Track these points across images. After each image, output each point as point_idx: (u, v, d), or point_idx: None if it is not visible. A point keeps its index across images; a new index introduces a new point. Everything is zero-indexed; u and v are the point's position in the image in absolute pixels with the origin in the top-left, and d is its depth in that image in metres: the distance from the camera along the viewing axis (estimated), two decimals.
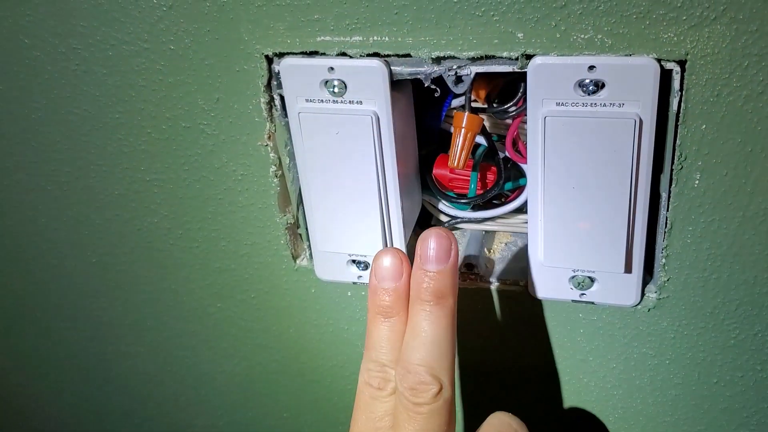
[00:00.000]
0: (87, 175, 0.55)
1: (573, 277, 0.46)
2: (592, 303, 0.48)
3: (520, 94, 0.45)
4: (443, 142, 0.52)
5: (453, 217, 0.52)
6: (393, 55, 0.42)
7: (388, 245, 0.49)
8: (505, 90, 0.47)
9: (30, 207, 0.59)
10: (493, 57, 0.40)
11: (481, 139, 0.49)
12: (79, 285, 0.64)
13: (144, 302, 0.62)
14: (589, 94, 0.40)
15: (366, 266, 0.51)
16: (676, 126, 0.39)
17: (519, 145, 0.48)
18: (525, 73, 0.41)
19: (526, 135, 0.47)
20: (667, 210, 0.42)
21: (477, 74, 0.42)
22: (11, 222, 0.61)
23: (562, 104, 0.41)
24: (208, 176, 0.51)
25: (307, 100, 0.45)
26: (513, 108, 0.46)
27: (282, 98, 0.46)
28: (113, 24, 0.46)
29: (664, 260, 0.44)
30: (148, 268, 0.59)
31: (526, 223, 0.51)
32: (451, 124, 0.48)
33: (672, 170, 0.41)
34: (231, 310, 0.60)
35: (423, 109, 0.50)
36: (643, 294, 0.46)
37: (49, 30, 0.47)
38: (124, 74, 0.48)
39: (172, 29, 0.45)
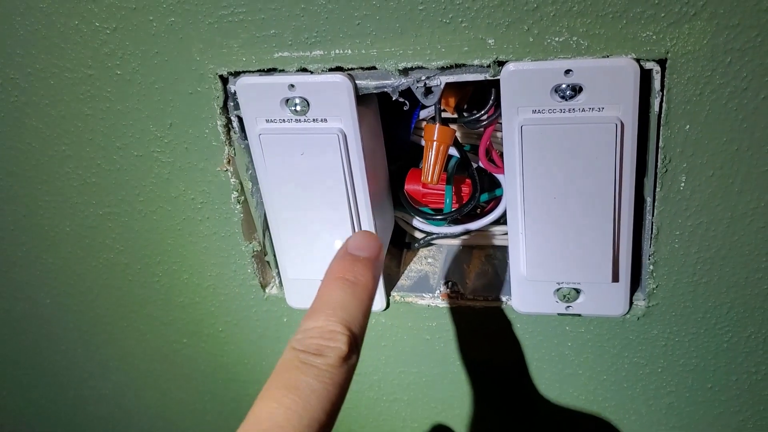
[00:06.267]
0: (35, 212, 0.52)
1: (558, 289, 0.45)
2: (579, 315, 0.46)
3: (491, 102, 0.43)
4: (413, 155, 0.50)
5: (428, 233, 0.50)
6: (357, 69, 0.40)
7: None
8: (475, 97, 0.45)
9: None
10: (464, 65, 0.38)
11: (452, 151, 0.47)
12: (34, 329, 0.61)
13: (105, 342, 0.59)
14: (566, 100, 0.38)
15: None
16: (659, 128, 0.38)
17: (493, 155, 0.46)
18: (496, 79, 0.39)
19: (499, 144, 0.45)
20: (653, 215, 0.41)
21: (447, 83, 0.40)
22: None
23: (539, 111, 0.39)
24: (165, 206, 0.49)
25: (267, 121, 0.42)
26: (485, 117, 0.44)
27: (240, 120, 0.43)
28: (53, 51, 0.43)
29: (651, 267, 0.43)
30: (107, 306, 0.56)
31: (505, 234, 0.49)
32: (421, 137, 0.46)
33: (656, 174, 0.39)
34: (199, 345, 0.57)
35: (390, 122, 0.48)
36: (631, 303, 0.45)
37: None
38: (68, 104, 0.45)
39: (118, 53, 0.42)
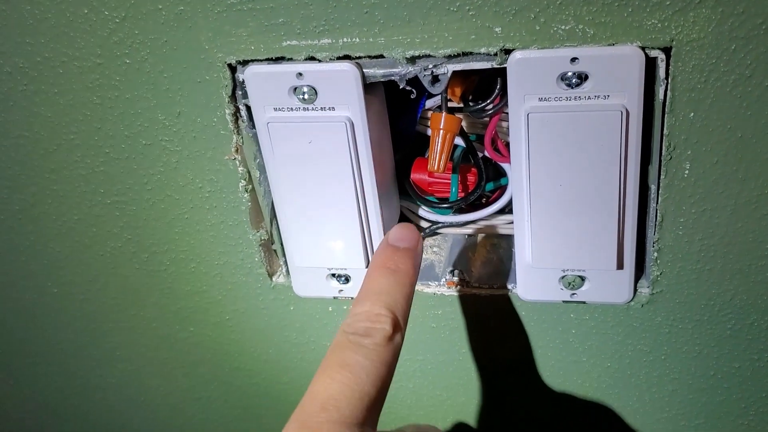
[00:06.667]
0: (42, 201, 0.52)
1: (563, 277, 0.45)
2: (584, 302, 0.46)
3: (497, 91, 0.43)
4: (419, 145, 0.50)
5: (434, 222, 0.50)
6: (365, 57, 0.40)
7: (369, 256, 0.47)
8: (480, 87, 0.46)
9: None
10: (471, 54, 0.39)
11: (458, 140, 0.47)
12: (41, 318, 0.60)
13: (112, 331, 0.59)
14: (572, 87, 0.38)
15: (347, 279, 0.49)
16: (663, 115, 0.38)
17: (498, 144, 0.46)
18: (502, 69, 0.39)
19: (504, 133, 0.45)
20: (657, 202, 0.41)
21: (452, 72, 0.40)
22: None
23: (545, 99, 0.39)
24: (173, 195, 0.49)
25: (275, 109, 0.42)
26: (491, 106, 0.44)
27: (248, 108, 0.43)
28: (62, 39, 0.43)
29: (655, 254, 0.43)
30: (114, 295, 0.56)
31: (510, 223, 0.49)
32: (427, 126, 0.46)
33: (661, 161, 0.39)
34: (205, 333, 0.57)
35: (396, 111, 0.48)
36: (635, 290, 0.45)
37: None
38: (77, 92, 0.45)
39: (127, 42, 0.42)
